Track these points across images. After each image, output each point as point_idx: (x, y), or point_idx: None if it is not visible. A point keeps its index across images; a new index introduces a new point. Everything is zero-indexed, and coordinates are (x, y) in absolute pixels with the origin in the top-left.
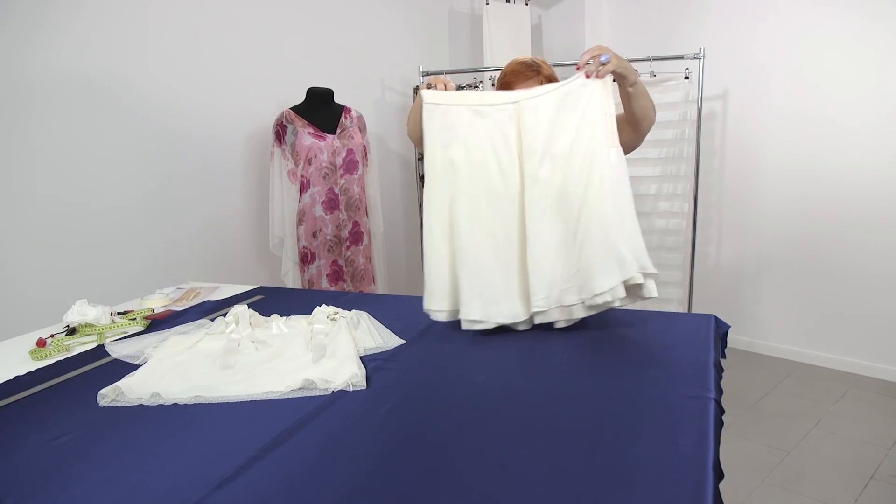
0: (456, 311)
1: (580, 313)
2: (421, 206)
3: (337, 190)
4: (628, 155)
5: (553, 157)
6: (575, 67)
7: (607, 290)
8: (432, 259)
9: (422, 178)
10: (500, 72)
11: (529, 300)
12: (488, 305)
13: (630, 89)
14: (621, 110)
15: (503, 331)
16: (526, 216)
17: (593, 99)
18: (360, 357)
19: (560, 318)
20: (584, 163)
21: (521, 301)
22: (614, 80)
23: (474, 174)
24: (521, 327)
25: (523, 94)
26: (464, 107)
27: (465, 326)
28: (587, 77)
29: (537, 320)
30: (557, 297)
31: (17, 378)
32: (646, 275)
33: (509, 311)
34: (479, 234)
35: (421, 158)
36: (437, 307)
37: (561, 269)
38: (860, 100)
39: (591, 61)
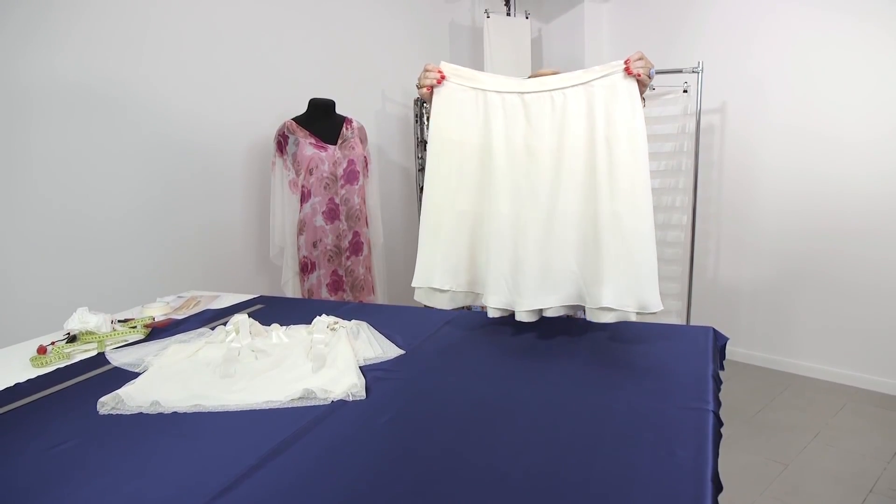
0: (461, 294)
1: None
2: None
3: (337, 200)
4: None
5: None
6: (624, 63)
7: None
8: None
9: (422, 189)
10: None
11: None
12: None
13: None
14: None
15: (503, 341)
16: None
17: (626, 102)
18: (360, 367)
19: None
20: (623, 168)
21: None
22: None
23: (478, 155)
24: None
25: (543, 83)
26: (478, 90)
27: (491, 314)
28: (629, 73)
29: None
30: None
31: (17, 385)
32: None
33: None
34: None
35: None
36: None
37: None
38: (857, 113)
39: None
